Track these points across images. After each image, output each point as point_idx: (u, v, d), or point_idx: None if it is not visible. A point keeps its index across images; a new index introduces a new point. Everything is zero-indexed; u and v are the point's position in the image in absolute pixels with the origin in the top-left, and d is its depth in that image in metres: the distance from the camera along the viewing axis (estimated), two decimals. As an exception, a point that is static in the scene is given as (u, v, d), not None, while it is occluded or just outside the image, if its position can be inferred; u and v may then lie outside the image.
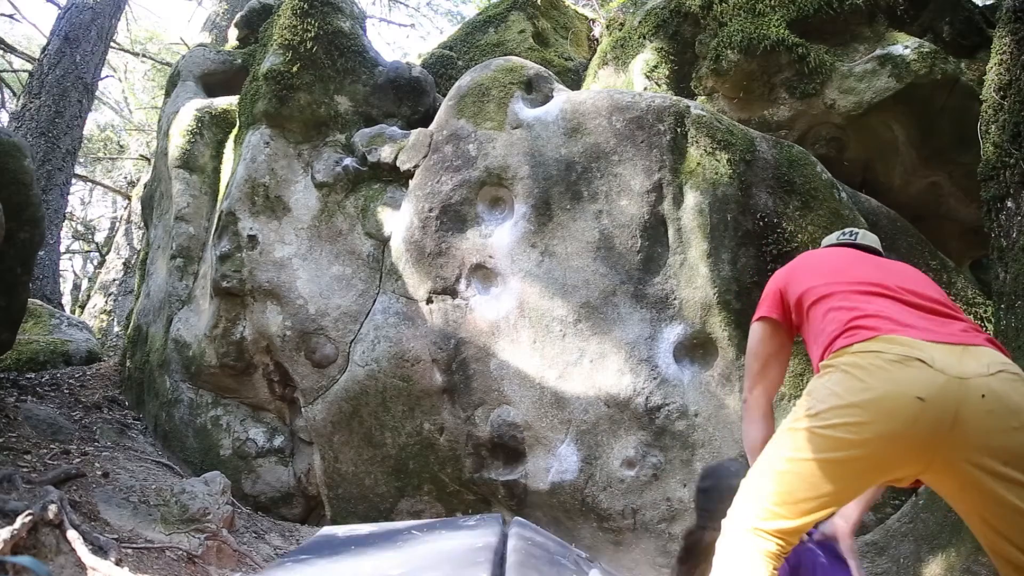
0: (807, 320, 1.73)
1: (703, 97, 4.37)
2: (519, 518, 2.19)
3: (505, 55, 4.63)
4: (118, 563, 2.36)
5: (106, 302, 9.96)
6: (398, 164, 3.98)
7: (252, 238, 3.97)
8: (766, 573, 1.44)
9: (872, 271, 1.73)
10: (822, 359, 1.58)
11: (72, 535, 2.39)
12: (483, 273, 3.67)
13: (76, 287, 14.90)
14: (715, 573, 1.50)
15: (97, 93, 10.10)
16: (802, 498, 1.47)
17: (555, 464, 3.41)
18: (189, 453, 4.13)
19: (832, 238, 2.04)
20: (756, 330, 1.89)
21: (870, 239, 1.97)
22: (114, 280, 10.18)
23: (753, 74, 4.20)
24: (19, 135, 6.99)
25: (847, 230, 2.02)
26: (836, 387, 1.48)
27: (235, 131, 4.65)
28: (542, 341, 3.49)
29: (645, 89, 4.38)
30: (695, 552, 1.89)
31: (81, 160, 12.37)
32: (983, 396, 1.37)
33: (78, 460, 3.40)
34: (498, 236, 3.67)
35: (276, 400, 4.06)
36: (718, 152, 3.60)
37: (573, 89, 4.27)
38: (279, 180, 4.07)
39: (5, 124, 9.21)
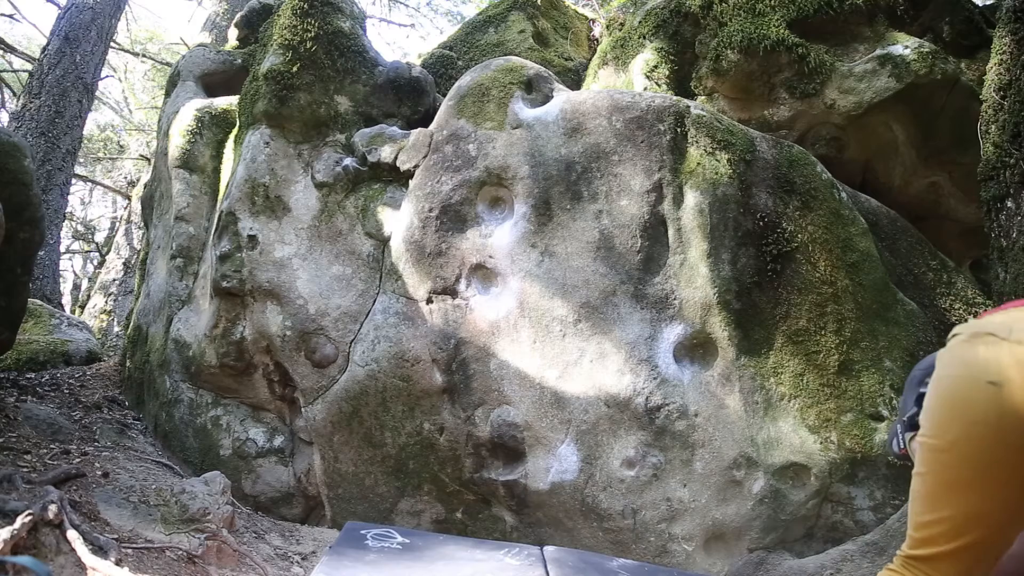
0: None
1: (703, 97, 4.37)
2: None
3: (505, 55, 4.63)
4: (118, 563, 2.36)
5: (106, 302, 9.96)
6: (398, 164, 3.98)
7: (252, 238, 3.97)
8: None
9: None
10: None
11: (72, 535, 2.39)
12: (483, 273, 3.67)
13: (76, 287, 14.90)
14: None
15: (97, 93, 10.10)
16: (926, 521, 1.24)
17: (555, 464, 3.41)
18: (189, 453, 4.13)
19: None
20: None
21: None
22: (114, 280, 10.18)
23: (753, 74, 4.20)
24: (19, 135, 6.99)
25: None
26: (930, 385, 1.27)
27: (235, 131, 4.65)
28: (542, 341, 3.49)
29: (645, 89, 4.38)
30: None
31: (81, 160, 12.37)
32: None
33: (78, 460, 3.40)
34: (498, 236, 3.67)
35: (276, 400, 4.06)
36: (718, 152, 3.60)
37: (573, 89, 4.27)
38: (279, 180, 4.07)
39: (5, 124, 9.21)
